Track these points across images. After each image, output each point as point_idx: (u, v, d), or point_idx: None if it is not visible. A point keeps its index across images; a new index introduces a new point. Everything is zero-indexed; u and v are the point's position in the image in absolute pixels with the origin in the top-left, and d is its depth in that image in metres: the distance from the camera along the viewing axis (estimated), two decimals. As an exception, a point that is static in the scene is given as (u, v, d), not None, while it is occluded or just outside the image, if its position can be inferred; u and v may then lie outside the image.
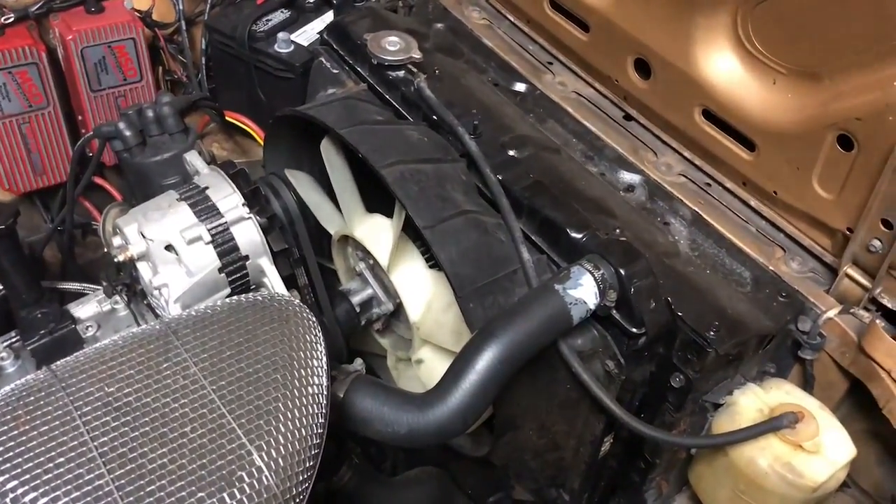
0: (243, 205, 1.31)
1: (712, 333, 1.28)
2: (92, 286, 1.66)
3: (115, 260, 1.29)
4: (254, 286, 1.36)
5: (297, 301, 1.09)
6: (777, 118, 1.44)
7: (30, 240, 1.95)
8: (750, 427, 1.26)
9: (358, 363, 1.30)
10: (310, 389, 0.99)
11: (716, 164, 1.61)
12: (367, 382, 1.23)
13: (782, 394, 1.32)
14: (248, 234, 1.31)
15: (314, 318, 1.07)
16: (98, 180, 1.96)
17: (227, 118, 1.95)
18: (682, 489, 1.54)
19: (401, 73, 1.64)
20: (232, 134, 2.10)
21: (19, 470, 0.85)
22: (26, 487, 0.84)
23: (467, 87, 1.70)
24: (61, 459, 0.87)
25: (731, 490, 1.32)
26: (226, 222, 1.29)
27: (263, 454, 0.91)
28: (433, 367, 1.56)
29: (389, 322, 1.68)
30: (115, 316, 1.49)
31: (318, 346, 1.05)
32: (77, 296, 1.62)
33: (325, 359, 1.05)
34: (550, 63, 1.89)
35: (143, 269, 1.31)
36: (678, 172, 1.64)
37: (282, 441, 0.92)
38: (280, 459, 0.91)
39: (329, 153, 1.53)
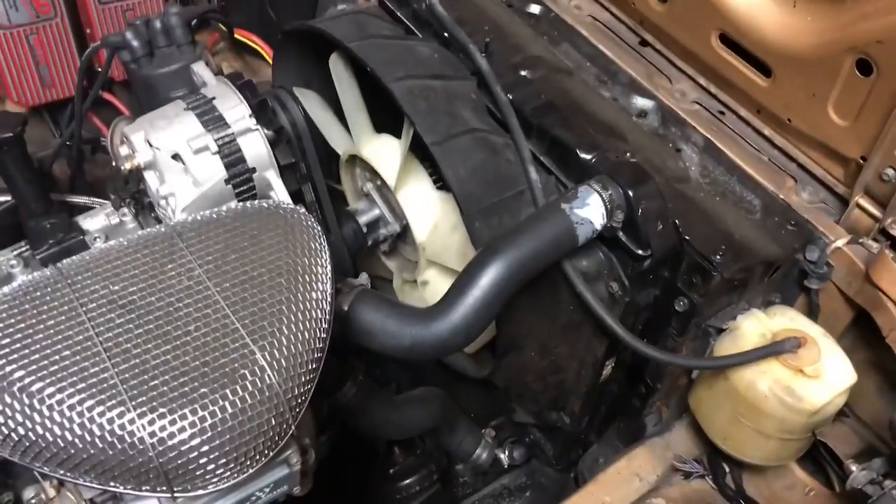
0: (250, 116, 1.30)
1: (718, 257, 1.28)
2: (100, 200, 1.66)
3: (123, 169, 1.28)
4: (260, 199, 1.36)
5: (303, 210, 1.09)
6: (795, 42, 1.41)
7: (39, 155, 1.95)
8: (752, 350, 1.27)
9: (363, 277, 1.30)
10: (313, 294, 1.00)
11: (731, 90, 1.58)
12: (372, 295, 1.24)
13: (786, 320, 1.32)
14: (255, 146, 1.30)
15: (319, 227, 1.07)
16: (106, 96, 1.95)
17: (236, 36, 1.92)
18: (681, 416, 1.56)
19: (413, -10, 1.61)
20: (241, 53, 2.07)
21: (26, 361, 0.87)
22: (33, 377, 0.86)
23: (480, 6, 1.67)
24: (67, 352, 0.88)
25: (730, 413, 1.33)
26: (233, 133, 1.28)
27: (266, 354, 0.91)
28: (438, 288, 1.57)
29: (396, 244, 1.69)
30: (123, 228, 1.49)
31: (323, 253, 1.05)
32: (85, 209, 1.62)
33: (329, 267, 1.05)
34: (566, -15, 1.85)
35: (149, 178, 1.31)
36: (692, 100, 1.62)
37: (284, 342, 0.93)
38: (283, 360, 0.92)
39: (337, 69, 1.51)
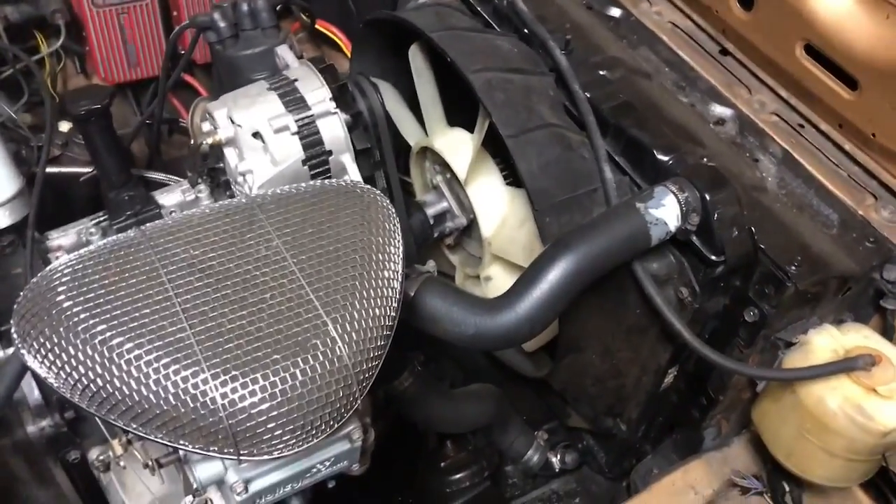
0: (330, 99, 1.32)
1: (793, 268, 1.25)
2: (176, 178, 1.70)
3: (203, 144, 1.31)
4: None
5: (379, 191, 1.10)
6: (886, 55, 1.37)
7: (120, 132, 2.00)
8: (823, 365, 1.23)
9: (430, 265, 1.31)
10: (385, 273, 1.00)
11: (812, 103, 1.55)
12: (439, 283, 1.24)
13: (860, 337, 1.28)
14: (333, 130, 1.32)
15: (393, 209, 1.08)
16: (187, 78, 2.00)
17: (317, 26, 1.96)
18: (742, 431, 1.52)
19: (494, -15, 1.62)
20: (319, 43, 2.11)
21: (108, 316, 0.89)
22: (114, 332, 0.88)
23: (560, 6, 1.67)
24: (147, 311, 0.90)
25: (796, 429, 1.29)
26: (312, 115, 1.31)
27: (338, 326, 0.92)
28: (501, 284, 1.57)
29: (461, 238, 1.69)
30: (198, 205, 1.53)
31: (396, 234, 1.06)
32: (161, 186, 1.67)
33: (401, 248, 1.06)
34: (648, -10, 1.84)
35: (229, 154, 1.33)
36: (771, 111, 1.59)
37: (356, 317, 0.94)
38: (353, 334, 0.93)
39: (416, 59, 1.52)
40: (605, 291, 1.36)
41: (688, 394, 1.50)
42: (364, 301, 0.96)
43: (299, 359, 0.89)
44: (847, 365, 1.22)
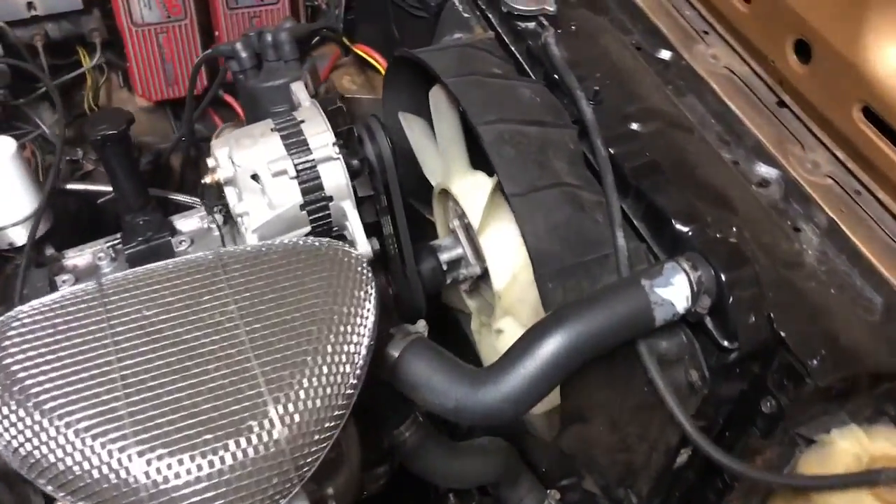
0: (334, 144, 1.27)
1: (815, 362, 1.13)
2: (200, 201, 1.69)
3: (203, 181, 1.29)
4: (336, 228, 1.32)
5: (357, 253, 1.04)
6: (950, 128, 1.23)
7: (160, 146, 2.02)
8: (842, 475, 1.11)
9: (421, 325, 1.24)
10: (345, 347, 0.95)
11: (870, 169, 1.41)
12: (424, 347, 1.17)
13: (889, 445, 1.15)
14: (335, 175, 1.27)
15: (369, 274, 1.02)
16: (227, 98, 1.99)
17: (355, 50, 1.91)
18: (761, 519, 1.40)
19: (531, 25, 1.54)
20: (364, 69, 2.07)
21: (45, 377, 0.87)
22: (48, 395, 0.86)
23: (603, 48, 1.57)
24: (85, 374, 0.87)
25: (808, 536, 1.17)
26: (314, 159, 1.26)
27: (280, 406, 0.87)
28: (513, 339, 1.48)
29: (477, 284, 1.62)
30: (210, 235, 1.51)
31: (367, 303, 1.00)
32: (187, 207, 1.66)
33: (371, 318, 1.00)
34: (706, 32, 1.72)
35: (229, 194, 1.30)
36: (825, 173, 1.45)
37: (302, 396, 0.89)
38: (296, 415, 0.88)
39: (438, 101, 1.46)
40: (613, 363, 1.27)
41: (704, 473, 1.39)
42: (314, 378, 0.90)
43: (231, 441, 0.85)
44: (867, 478, 1.09)
